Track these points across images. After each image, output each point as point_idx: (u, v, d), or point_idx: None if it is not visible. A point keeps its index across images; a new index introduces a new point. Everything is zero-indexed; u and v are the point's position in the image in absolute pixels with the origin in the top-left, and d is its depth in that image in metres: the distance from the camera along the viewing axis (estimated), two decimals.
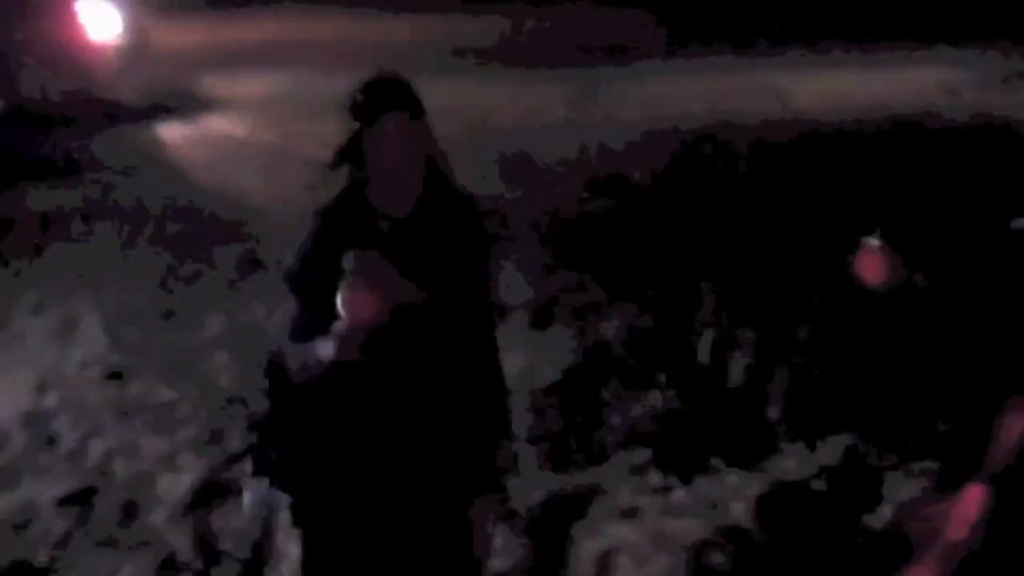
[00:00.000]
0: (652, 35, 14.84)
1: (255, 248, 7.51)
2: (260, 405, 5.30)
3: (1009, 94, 11.07)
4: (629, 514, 4.67)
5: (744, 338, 5.81)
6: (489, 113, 10.78)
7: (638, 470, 4.92)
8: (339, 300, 2.80)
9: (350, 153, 2.95)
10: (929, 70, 11.99)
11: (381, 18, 16.17)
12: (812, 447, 4.99)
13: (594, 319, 6.22)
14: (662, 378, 5.56)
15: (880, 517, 4.55)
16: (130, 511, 4.80)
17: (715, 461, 4.93)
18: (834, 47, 13.23)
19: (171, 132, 11.13)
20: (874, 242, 3.48)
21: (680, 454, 4.99)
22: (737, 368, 5.60)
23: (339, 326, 2.83)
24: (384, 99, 2.95)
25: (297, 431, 3.06)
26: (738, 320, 5.98)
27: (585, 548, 4.47)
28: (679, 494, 4.79)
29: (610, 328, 6.10)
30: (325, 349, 2.88)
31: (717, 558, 4.44)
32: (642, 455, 5.00)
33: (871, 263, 3.48)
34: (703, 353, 5.75)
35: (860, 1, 14.39)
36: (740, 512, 4.65)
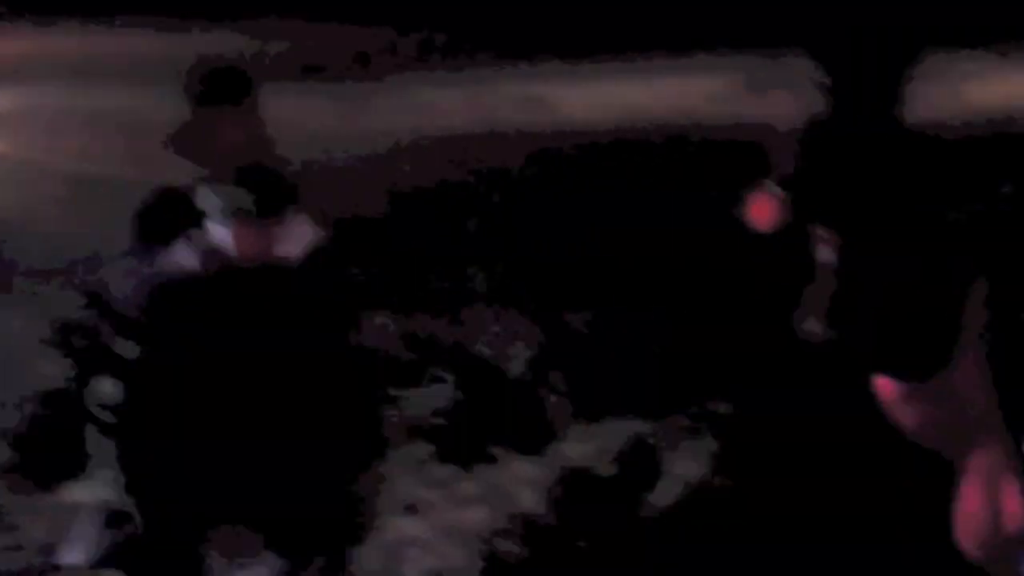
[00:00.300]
0: (407, 47, 14.80)
1: (3, 263, 7.13)
2: (5, 420, 5.02)
3: (765, 100, 11.43)
4: (415, 508, 4.57)
5: (523, 328, 5.78)
6: None
7: (422, 464, 4.82)
8: (216, 229, 3.08)
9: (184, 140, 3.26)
10: (690, 78, 12.27)
11: (130, 34, 15.70)
12: (595, 431, 4.98)
13: (368, 316, 6.09)
14: (441, 371, 5.47)
15: (665, 496, 4.56)
16: None
17: (499, 450, 4.88)
18: (598, 56, 13.44)
19: None
20: (770, 186, 3.56)
21: (464, 445, 4.91)
22: (517, 358, 5.56)
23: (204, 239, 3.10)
24: (216, 89, 3.25)
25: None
26: (516, 310, 5.95)
27: (372, 544, 4.34)
28: (465, 485, 4.71)
29: (386, 324, 5.99)
30: (184, 256, 3.12)
31: (508, 546, 4.38)
32: (425, 449, 4.90)
33: (763, 206, 3.51)
34: (482, 345, 5.70)
35: (621, 10, 14.69)
36: (528, 499, 4.60)
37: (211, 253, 3.14)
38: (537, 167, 9.46)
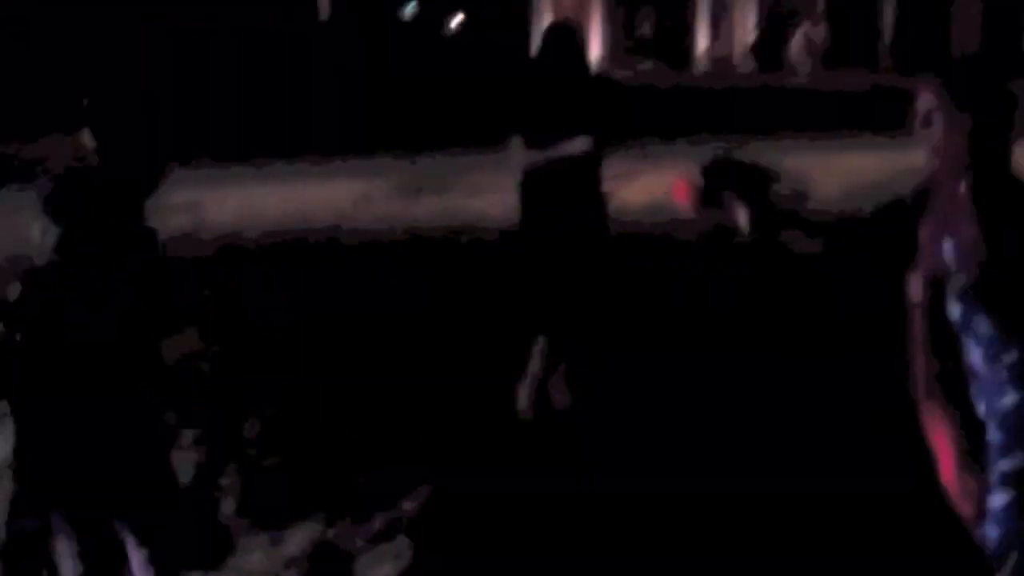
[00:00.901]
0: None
1: None
2: None
3: (418, 204, 11.45)
4: None
5: (188, 436, 5.40)
6: None
7: None
8: None
9: None
10: (341, 182, 12.18)
11: None
12: (276, 539, 4.64)
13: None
14: None
15: None
16: None
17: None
18: (249, 161, 13.17)
19: None
20: (694, 172, 3.89)
21: None
22: (185, 467, 5.16)
23: None
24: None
25: None
26: (182, 420, 5.55)
27: None
28: None
29: None
30: None
31: None
32: None
33: (681, 187, 3.83)
34: None
35: (272, 115, 14.56)
36: None
37: None
38: (194, 272, 9.07)
